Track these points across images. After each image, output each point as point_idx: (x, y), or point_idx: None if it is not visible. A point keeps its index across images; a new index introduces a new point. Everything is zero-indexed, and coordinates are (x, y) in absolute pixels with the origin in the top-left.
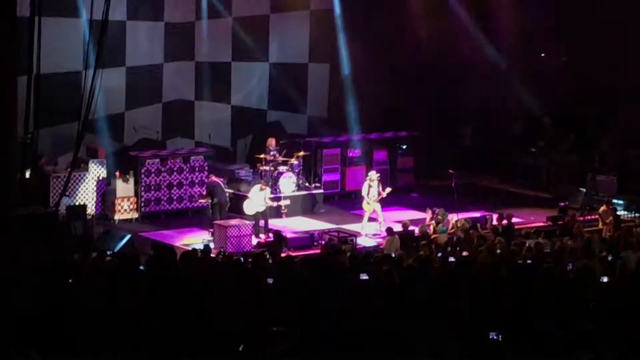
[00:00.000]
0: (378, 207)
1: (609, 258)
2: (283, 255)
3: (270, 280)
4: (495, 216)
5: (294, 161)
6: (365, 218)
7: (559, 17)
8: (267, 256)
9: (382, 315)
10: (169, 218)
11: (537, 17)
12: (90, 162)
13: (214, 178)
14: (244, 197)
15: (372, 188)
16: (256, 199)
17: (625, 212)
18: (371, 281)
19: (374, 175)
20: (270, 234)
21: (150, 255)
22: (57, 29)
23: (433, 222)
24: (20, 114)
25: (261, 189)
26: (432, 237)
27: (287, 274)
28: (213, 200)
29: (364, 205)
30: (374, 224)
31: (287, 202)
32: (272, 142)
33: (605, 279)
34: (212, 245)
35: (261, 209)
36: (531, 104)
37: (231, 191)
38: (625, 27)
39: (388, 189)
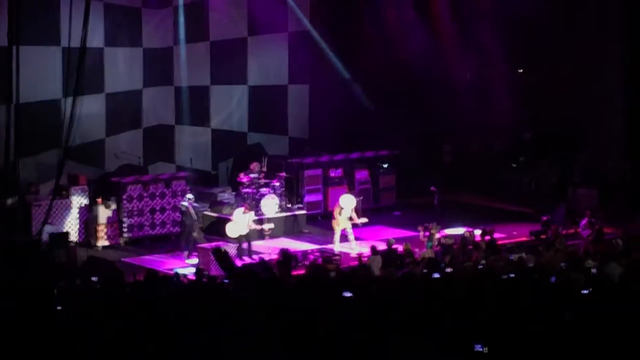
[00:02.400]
0: (349, 226)
1: (593, 270)
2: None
3: (253, 301)
4: (478, 232)
5: (276, 183)
6: (337, 236)
7: (532, 34)
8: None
9: (368, 331)
10: (152, 243)
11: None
12: (72, 189)
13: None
14: (227, 220)
15: (344, 210)
16: (239, 222)
17: (607, 225)
18: (356, 298)
19: (346, 200)
20: (278, 254)
21: (136, 281)
22: (36, 58)
23: (427, 238)
24: (1, 143)
25: (245, 212)
26: (419, 253)
27: (273, 294)
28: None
29: (333, 223)
30: (351, 244)
31: (271, 225)
32: (255, 166)
33: (588, 291)
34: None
35: (244, 231)
36: (510, 119)
37: (215, 214)
38: (600, 41)
39: (364, 219)
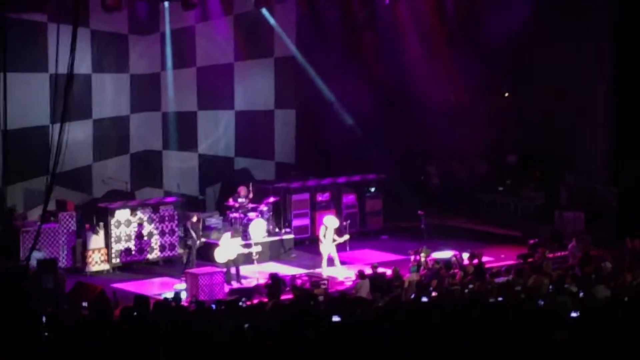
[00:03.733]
0: (334, 250)
1: (580, 294)
2: (255, 301)
3: (246, 326)
4: (465, 255)
5: (263, 207)
6: (324, 260)
7: (517, 57)
8: (240, 303)
9: (357, 356)
10: (140, 268)
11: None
12: (60, 215)
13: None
14: (215, 245)
15: (328, 231)
16: (227, 247)
17: (594, 248)
18: (344, 323)
19: (329, 220)
20: (266, 278)
21: (125, 306)
22: (23, 84)
23: (417, 262)
24: None
25: (232, 236)
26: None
27: (261, 319)
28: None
29: (320, 247)
30: (337, 268)
31: (259, 248)
32: (242, 190)
33: (575, 314)
34: (184, 294)
35: (232, 256)
36: (496, 142)
37: (203, 240)
38: (586, 63)
39: (346, 236)
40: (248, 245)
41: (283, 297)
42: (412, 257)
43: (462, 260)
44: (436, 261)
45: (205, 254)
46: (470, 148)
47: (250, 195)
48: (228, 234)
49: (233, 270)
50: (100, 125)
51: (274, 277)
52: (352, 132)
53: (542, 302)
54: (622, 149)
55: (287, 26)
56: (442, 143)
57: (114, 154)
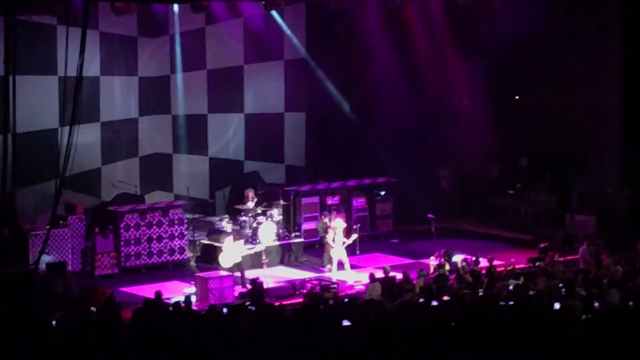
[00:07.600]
0: (344, 254)
1: (591, 297)
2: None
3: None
4: (475, 259)
5: (273, 211)
6: (334, 264)
7: (528, 60)
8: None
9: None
10: (149, 272)
11: (507, 59)
12: (69, 218)
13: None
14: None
15: (337, 235)
16: (231, 251)
17: (605, 251)
18: (354, 327)
19: (336, 223)
20: (248, 285)
21: (137, 308)
22: (33, 87)
23: (440, 264)
24: None
25: (235, 239)
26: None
27: (272, 323)
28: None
29: (331, 251)
30: (347, 272)
31: (262, 247)
32: (250, 193)
33: (586, 318)
34: (194, 298)
35: (239, 260)
36: (507, 145)
37: (212, 243)
38: (596, 67)
39: (354, 235)
40: (252, 247)
41: (294, 300)
42: (437, 260)
43: (473, 263)
44: (439, 265)
45: (214, 257)
46: (482, 151)
47: (256, 198)
48: (230, 238)
49: (238, 274)
50: (109, 128)
51: (254, 282)
52: (361, 134)
53: (553, 306)
54: (634, 151)
55: (297, 29)
56: (453, 146)
57: (123, 157)
